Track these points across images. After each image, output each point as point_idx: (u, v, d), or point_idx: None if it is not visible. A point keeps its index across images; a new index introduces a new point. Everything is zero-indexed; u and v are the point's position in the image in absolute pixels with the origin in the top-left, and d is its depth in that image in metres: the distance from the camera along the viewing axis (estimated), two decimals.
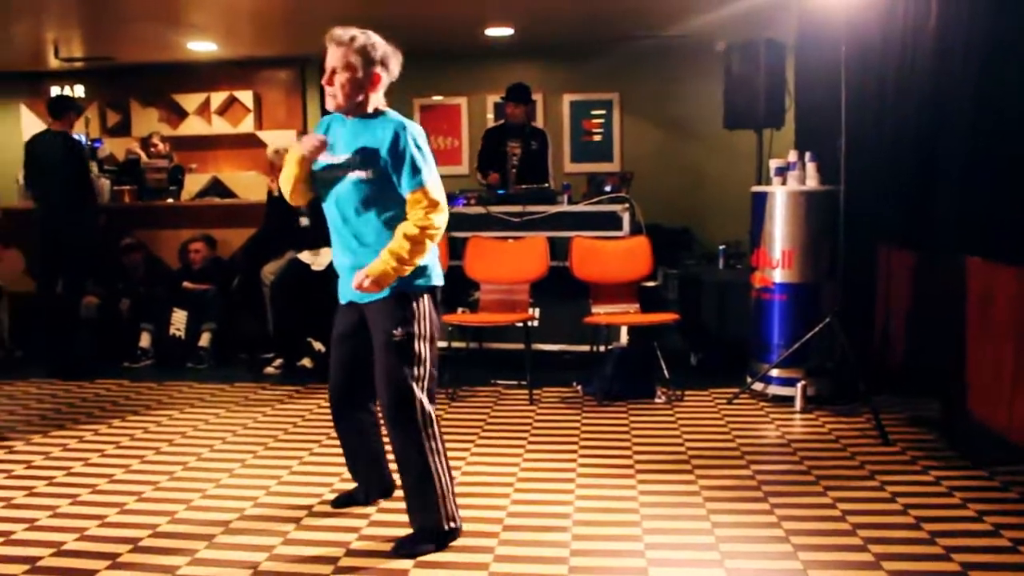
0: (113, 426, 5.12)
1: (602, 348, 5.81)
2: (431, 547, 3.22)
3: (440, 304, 3.39)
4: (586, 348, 5.96)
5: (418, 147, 3.19)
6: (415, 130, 3.23)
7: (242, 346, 6.94)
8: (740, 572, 3.04)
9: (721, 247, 6.78)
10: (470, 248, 6.08)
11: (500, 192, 6.63)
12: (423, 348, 3.25)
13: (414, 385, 3.21)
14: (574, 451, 4.45)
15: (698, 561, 3.13)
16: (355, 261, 3.28)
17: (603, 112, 9.19)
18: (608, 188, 6.40)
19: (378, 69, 3.21)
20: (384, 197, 3.22)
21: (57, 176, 6.67)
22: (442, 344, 5.80)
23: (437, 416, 3.29)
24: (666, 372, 5.54)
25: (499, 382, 5.94)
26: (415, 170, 3.16)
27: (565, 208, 6.28)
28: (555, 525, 3.47)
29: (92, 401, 5.76)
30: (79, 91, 9.75)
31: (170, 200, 7.78)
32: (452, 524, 3.28)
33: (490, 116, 9.33)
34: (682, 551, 3.21)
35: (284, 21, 7.70)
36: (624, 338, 6.04)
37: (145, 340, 6.90)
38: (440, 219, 3.20)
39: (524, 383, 5.69)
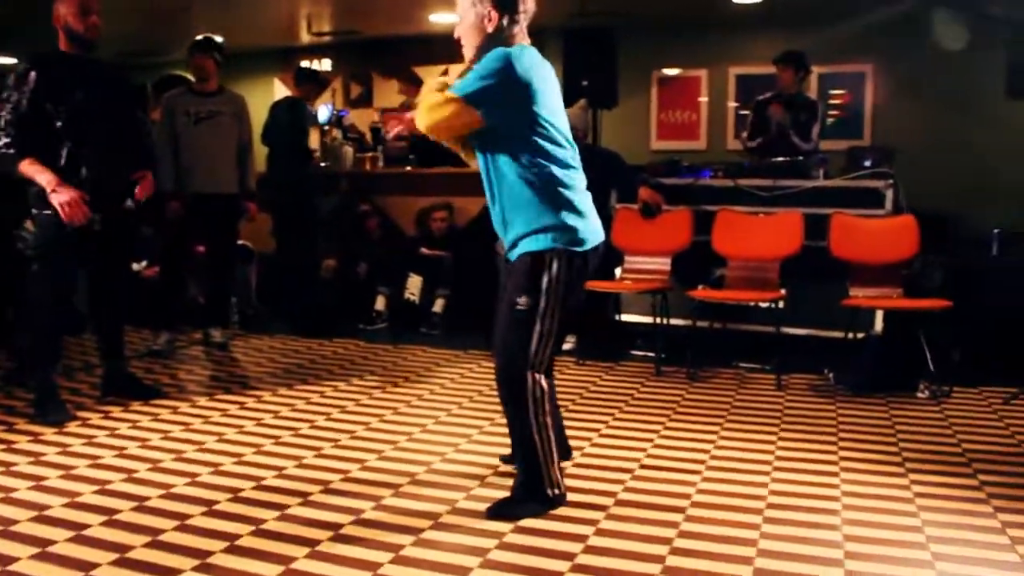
0: (352, 384, 5.21)
1: (855, 335, 5.33)
2: (534, 508, 3.15)
3: (583, 272, 3.15)
4: (836, 334, 5.47)
5: (484, 69, 2.98)
6: (493, 56, 2.99)
7: (475, 315, 6.92)
8: None
9: (995, 231, 6.08)
10: (718, 222, 5.71)
11: (746, 165, 6.21)
12: (546, 322, 3.07)
13: (530, 360, 3.07)
14: (833, 442, 4.05)
15: (993, 561, 2.73)
16: (498, 217, 3.19)
17: (854, 84, 8.51)
18: (868, 163, 5.85)
19: (486, 9, 3.05)
20: (497, 139, 3.07)
21: (281, 139, 6.92)
22: (683, 322, 5.60)
23: (549, 387, 3.20)
24: (931, 365, 5.00)
25: (742, 364, 5.59)
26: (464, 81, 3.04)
27: (821, 183, 5.78)
28: (822, 522, 3.11)
29: (331, 359, 5.90)
30: (326, 64, 10.15)
31: (408, 168, 7.89)
32: (555, 491, 3.19)
33: (731, 90, 8.87)
34: (975, 563, 2.78)
35: None
36: (879, 325, 5.52)
37: (380, 303, 7.04)
38: (433, 109, 3.01)
39: (769, 367, 5.31)
